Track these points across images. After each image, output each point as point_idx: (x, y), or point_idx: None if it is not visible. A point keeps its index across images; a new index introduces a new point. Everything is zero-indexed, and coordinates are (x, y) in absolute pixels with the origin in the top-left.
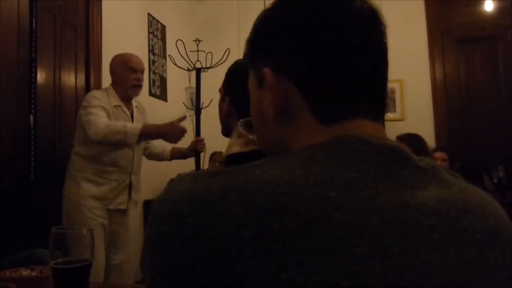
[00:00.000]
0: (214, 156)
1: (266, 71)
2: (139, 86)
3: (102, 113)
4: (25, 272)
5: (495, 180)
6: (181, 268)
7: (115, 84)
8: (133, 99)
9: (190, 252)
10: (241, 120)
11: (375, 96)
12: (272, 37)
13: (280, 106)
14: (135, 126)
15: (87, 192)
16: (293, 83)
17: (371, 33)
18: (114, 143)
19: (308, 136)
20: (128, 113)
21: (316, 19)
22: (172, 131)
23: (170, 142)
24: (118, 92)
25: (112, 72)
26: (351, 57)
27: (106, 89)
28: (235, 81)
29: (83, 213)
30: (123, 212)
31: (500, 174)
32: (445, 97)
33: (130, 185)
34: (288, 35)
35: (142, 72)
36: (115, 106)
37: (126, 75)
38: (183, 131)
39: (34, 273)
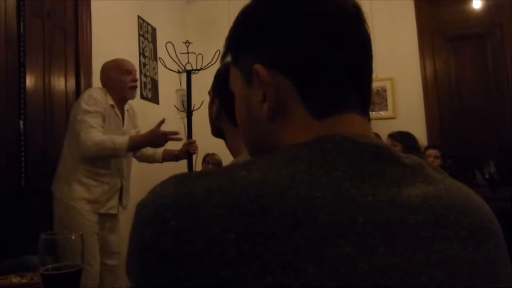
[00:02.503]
0: (207, 158)
1: (258, 67)
2: (135, 87)
3: (95, 120)
4: (15, 279)
5: (487, 176)
6: (165, 273)
7: (109, 89)
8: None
9: (174, 256)
10: None
11: (363, 89)
12: (261, 32)
13: (274, 102)
14: (123, 141)
15: (79, 194)
16: (286, 78)
17: (357, 25)
18: (105, 158)
19: (300, 131)
20: (120, 116)
21: (305, 11)
22: (155, 138)
23: (157, 147)
24: (113, 96)
25: (106, 78)
26: (342, 48)
27: (102, 89)
28: (224, 83)
29: (75, 217)
30: (113, 217)
31: (492, 169)
32: (436, 95)
33: (121, 190)
34: (279, 29)
35: (135, 73)
36: (110, 105)
37: (122, 78)
38: (165, 135)
39: (24, 280)
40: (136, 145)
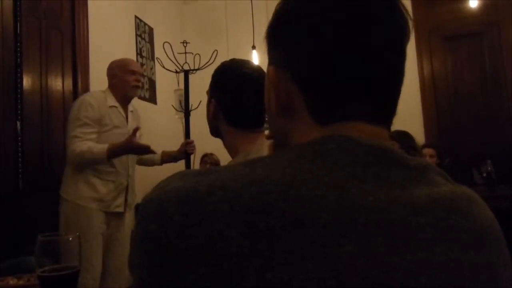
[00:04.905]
0: (204, 158)
1: (269, 68)
2: (138, 87)
3: (81, 130)
4: (12, 281)
5: (484, 175)
6: (167, 266)
7: (113, 87)
8: (130, 103)
9: (177, 250)
10: None
11: (378, 99)
12: (275, 34)
13: (282, 103)
14: (101, 150)
15: (86, 193)
16: (293, 82)
17: (381, 32)
18: (91, 164)
19: (304, 134)
20: (123, 114)
21: (316, 15)
22: (134, 147)
23: (140, 154)
24: (116, 95)
25: (111, 75)
26: (351, 57)
27: (104, 91)
28: (221, 83)
29: (82, 217)
30: (120, 215)
31: (489, 168)
32: (433, 94)
33: (126, 188)
34: (286, 32)
35: (141, 75)
36: (110, 106)
37: (126, 77)
38: (145, 148)
39: (21, 282)
40: (116, 153)
